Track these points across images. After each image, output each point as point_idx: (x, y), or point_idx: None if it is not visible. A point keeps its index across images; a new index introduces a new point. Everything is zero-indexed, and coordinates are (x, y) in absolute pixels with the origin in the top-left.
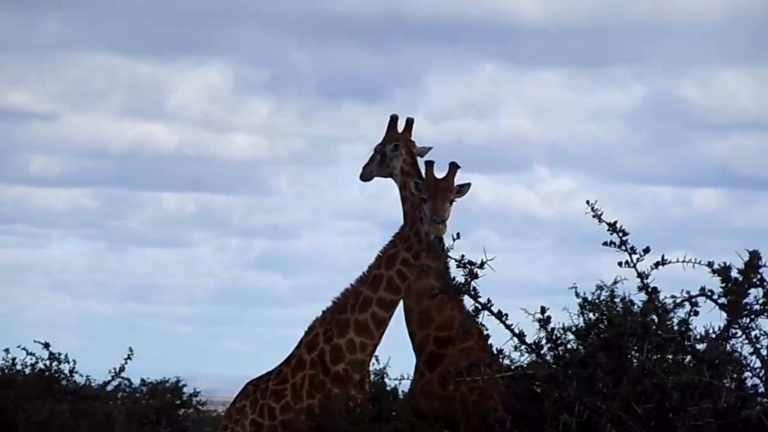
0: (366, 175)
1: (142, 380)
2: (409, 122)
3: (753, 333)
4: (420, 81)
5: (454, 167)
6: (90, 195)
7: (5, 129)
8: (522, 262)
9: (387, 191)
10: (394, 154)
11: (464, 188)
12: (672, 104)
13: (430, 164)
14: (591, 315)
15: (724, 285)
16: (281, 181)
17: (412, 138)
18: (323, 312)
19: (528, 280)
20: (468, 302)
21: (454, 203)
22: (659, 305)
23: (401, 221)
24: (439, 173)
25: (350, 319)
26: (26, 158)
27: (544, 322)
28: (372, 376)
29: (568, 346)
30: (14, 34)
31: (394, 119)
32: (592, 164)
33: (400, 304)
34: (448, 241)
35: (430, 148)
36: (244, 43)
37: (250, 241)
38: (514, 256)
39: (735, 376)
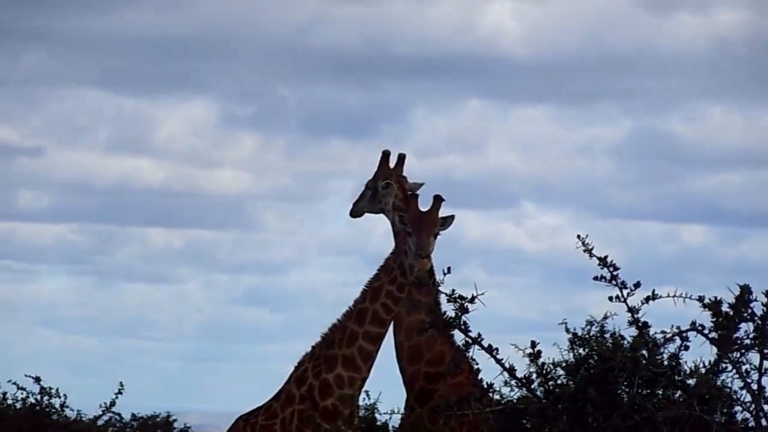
0: (357, 212)
1: (133, 415)
2: (401, 158)
3: (744, 367)
4: (406, 117)
5: (438, 200)
6: (77, 230)
7: None
8: (510, 297)
9: (374, 227)
10: (386, 191)
11: (448, 221)
12: (659, 139)
13: (413, 197)
14: (581, 350)
15: (714, 319)
16: (268, 217)
17: (404, 174)
18: (312, 347)
19: (517, 315)
20: (458, 337)
21: (438, 236)
22: (650, 340)
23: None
24: (425, 207)
25: (338, 354)
26: (13, 193)
27: (534, 356)
28: (362, 411)
29: (559, 381)
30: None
31: (386, 155)
32: (580, 199)
33: (390, 339)
34: (438, 275)
35: (422, 184)
36: (229, 78)
37: (237, 277)
38: (503, 292)
39: (725, 410)
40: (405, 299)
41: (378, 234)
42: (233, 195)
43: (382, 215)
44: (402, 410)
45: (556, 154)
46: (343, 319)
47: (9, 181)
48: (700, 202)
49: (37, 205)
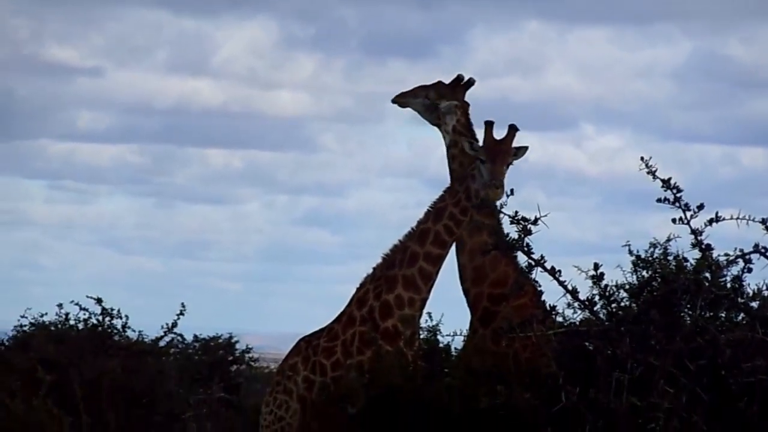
0: (404, 104)
1: (195, 336)
2: (471, 82)
3: None
4: (465, 38)
5: (513, 130)
6: (136, 151)
7: (51, 85)
8: (570, 220)
9: (434, 149)
10: (449, 111)
11: (521, 151)
12: (719, 62)
13: (489, 125)
14: (644, 272)
15: None
16: (328, 139)
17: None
18: (373, 268)
19: (577, 238)
20: (521, 259)
21: (510, 166)
22: (713, 262)
23: (448, 178)
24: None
25: (398, 275)
26: (73, 114)
27: (597, 278)
28: (425, 333)
29: (621, 304)
30: None
31: (459, 79)
32: (639, 122)
33: (453, 261)
34: (502, 198)
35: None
36: None
37: (297, 198)
38: (562, 214)
39: None
40: (468, 221)
41: (437, 157)
42: (292, 116)
43: (439, 133)
44: (465, 331)
45: (615, 76)
46: (404, 239)
47: (68, 101)
48: (760, 125)
49: (97, 126)
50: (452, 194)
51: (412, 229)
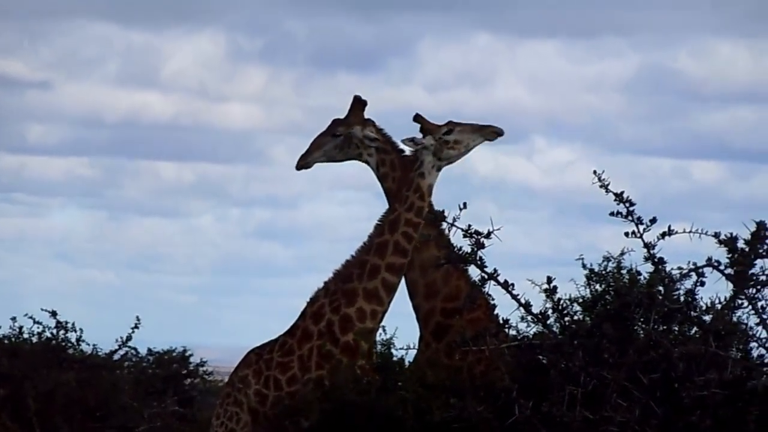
0: (309, 163)
1: (149, 350)
2: (364, 103)
3: (759, 303)
4: (414, 51)
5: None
6: (87, 164)
7: (0, 98)
8: (522, 233)
9: None
10: (365, 134)
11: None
12: (668, 75)
13: (419, 117)
14: (597, 286)
15: (730, 255)
16: (279, 151)
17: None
18: (325, 283)
19: (529, 251)
20: (474, 272)
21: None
22: (666, 276)
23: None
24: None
25: (358, 288)
26: (22, 127)
27: (550, 292)
28: (379, 346)
29: (575, 317)
30: (6, 2)
31: (358, 100)
32: (589, 135)
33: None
34: (453, 210)
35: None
36: (236, 11)
37: (249, 211)
38: (514, 227)
39: (741, 346)
40: (419, 223)
41: None
42: (243, 129)
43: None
44: (416, 346)
45: (565, 89)
46: (359, 253)
47: (18, 114)
48: (710, 139)
49: (47, 139)
50: (401, 201)
51: (365, 243)
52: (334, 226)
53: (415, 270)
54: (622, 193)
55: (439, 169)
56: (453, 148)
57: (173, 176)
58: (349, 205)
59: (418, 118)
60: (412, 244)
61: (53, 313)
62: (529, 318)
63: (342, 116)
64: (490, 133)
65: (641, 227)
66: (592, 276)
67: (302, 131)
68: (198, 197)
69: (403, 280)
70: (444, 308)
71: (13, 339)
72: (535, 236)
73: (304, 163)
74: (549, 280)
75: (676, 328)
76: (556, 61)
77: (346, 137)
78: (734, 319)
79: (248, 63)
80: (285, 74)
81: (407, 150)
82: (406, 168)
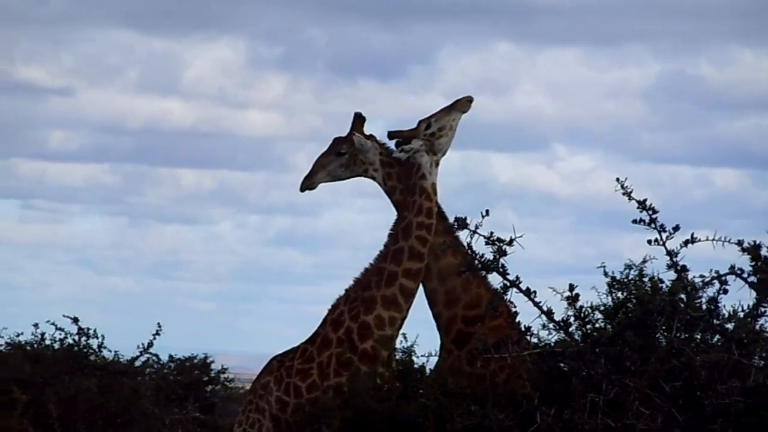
0: (313, 184)
1: (170, 356)
2: (363, 118)
3: None
4: (435, 58)
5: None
6: (108, 171)
7: (22, 104)
8: (543, 241)
9: None
10: (367, 147)
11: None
12: (689, 83)
13: (392, 132)
14: (619, 294)
15: (753, 263)
16: (298, 158)
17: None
18: (346, 290)
19: (550, 259)
20: (495, 280)
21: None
22: (688, 284)
23: None
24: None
25: (376, 296)
26: (44, 134)
27: (572, 299)
28: (400, 353)
29: (597, 325)
30: (28, 9)
31: (359, 117)
32: (610, 143)
33: (421, 288)
34: (475, 218)
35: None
36: (256, 19)
37: (269, 219)
38: (535, 235)
39: (764, 354)
40: (435, 244)
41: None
42: (263, 136)
43: (362, 178)
44: (437, 353)
45: (586, 97)
46: (376, 261)
47: (39, 120)
48: (731, 146)
49: (68, 145)
50: (410, 208)
51: (381, 251)
52: (353, 234)
53: (434, 279)
54: (645, 200)
55: (437, 165)
56: (441, 136)
57: (193, 183)
58: (368, 213)
59: (392, 134)
60: (427, 247)
61: (75, 320)
62: (551, 325)
63: (343, 134)
64: (463, 103)
65: (664, 235)
66: (613, 284)
67: (322, 138)
68: (218, 204)
69: (422, 289)
70: (465, 316)
71: (35, 345)
72: (555, 244)
73: (308, 184)
74: (571, 287)
75: (699, 336)
76: (577, 69)
77: (351, 155)
78: (757, 327)
79: (268, 70)
80: (305, 81)
81: (402, 155)
82: (408, 176)
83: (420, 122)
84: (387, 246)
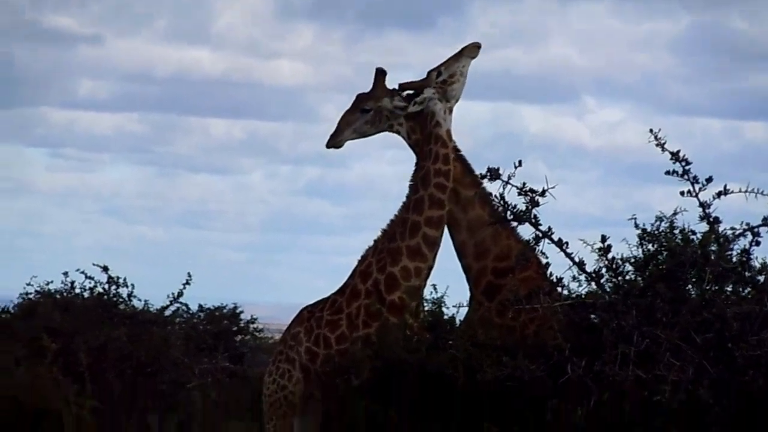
0: (340, 142)
1: (200, 306)
2: (385, 73)
3: None
4: (465, 9)
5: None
6: (137, 120)
7: (52, 52)
8: (572, 193)
9: None
10: (398, 107)
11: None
12: (720, 34)
13: (402, 84)
14: (650, 246)
15: None
16: (328, 109)
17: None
18: (375, 241)
19: (580, 211)
20: (525, 232)
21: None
22: (720, 235)
23: None
24: None
25: (401, 246)
26: (74, 82)
27: (604, 251)
28: (429, 305)
29: (628, 277)
30: None
31: (381, 73)
32: (640, 95)
33: (448, 241)
34: (509, 168)
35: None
36: None
37: (299, 169)
38: (564, 187)
39: None
40: (464, 197)
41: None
42: (292, 86)
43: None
44: (467, 304)
45: (616, 48)
46: (400, 212)
47: (69, 69)
48: (762, 98)
49: (97, 94)
50: (426, 157)
51: (404, 203)
52: (383, 185)
53: (463, 231)
54: (678, 151)
55: (451, 111)
56: (452, 82)
57: (223, 133)
58: (398, 164)
59: (403, 86)
60: (447, 194)
61: (105, 269)
62: (582, 277)
63: (368, 88)
64: (471, 49)
65: (697, 186)
66: (644, 236)
67: (352, 88)
68: (248, 154)
69: (452, 241)
70: (495, 267)
71: (65, 294)
72: (585, 196)
73: (335, 142)
74: (603, 239)
75: (730, 288)
76: (607, 21)
77: (376, 111)
78: None
79: (298, 20)
80: (335, 31)
81: (415, 106)
82: (424, 126)
83: (430, 72)
84: (408, 196)
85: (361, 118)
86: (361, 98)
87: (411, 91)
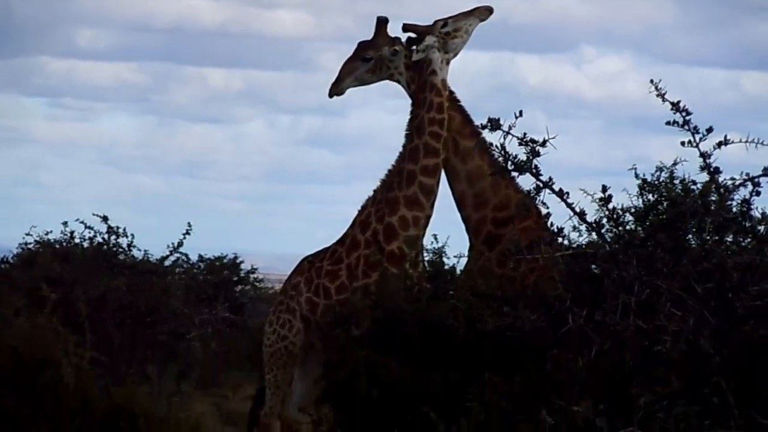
0: (342, 90)
1: (200, 256)
2: (385, 20)
3: None
4: None
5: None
6: (136, 69)
7: (49, 2)
8: (572, 143)
9: None
10: (396, 57)
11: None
12: None
13: (407, 24)
14: (650, 196)
15: None
16: (328, 58)
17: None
18: (374, 191)
19: (580, 161)
20: (525, 182)
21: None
22: (720, 185)
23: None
24: None
25: (398, 196)
26: (71, 31)
27: (605, 201)
28: (430, 255)
29: (628, 227)
30: None
31: (382, 21)
32: (639, 45)
33: (448, 192)
34: (510, 119)
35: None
36: None
37: (298, 119)
38: (565, 137)
39: None
40: (464, 147)
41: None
42: (292, 36)
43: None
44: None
45: None
46: (397, 162)
47: (66, 18)
48: (763, 49)
49: (96, 44)
50: (420, 104)
51: (401, 152)
52: (383, 134)
53: (463, 181)
54: (678, 102)
55: (448, 63)
56: (455, 36)
57: (222, 83)
58: (398, 114)
59: (407, 27)
60: (441, 142)
61: (104, 218)
62: (582, 227)
63: (369, 37)
64: (482, 11)
65: (697, 137)
66: (644, 186)
67: (351, 38)
68: (247, 104)
69: (451, 192)
70: (495, 217)
71: (64, 243)
72: (585, 146)
73: (336, 90)
74: (604, 188)
75: (731, 238)
76: None
77: (377, 60)
78: None
79: None
80: None
81: (417, 53)
82: (420, 74)
83: (436, 21)
84: (404, 146)
85: (362, 66)
86: (362, 46)
87: (413, 35)
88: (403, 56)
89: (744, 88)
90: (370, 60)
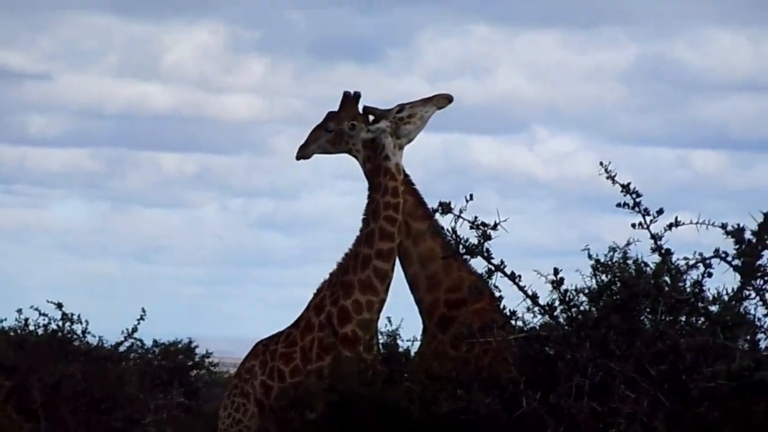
0: (308, 154)
1: (155, 341)
2: (357, 96)
3: (767, 295)
4: (413, 42)
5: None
6: (89, 155)
7: (0, 89)
8: (525, 223)
9: None
10: (354, 132)
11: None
12: (667, 65)
13: (368, 107)
14: (604, 277)
15: (737, 247)
16: (280, 141)
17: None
18: (330, 274)
19: (533, 242)
20: (478, 264)
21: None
22: (673, 267)
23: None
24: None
25: (353, 280)
26: (23, 119)
27: (557, 283)
28: (384, 337)
29: (581, 308)
30: None
31: (347, 96)
32: (590, 124)
33: (402, 274)
34: (460, 202)
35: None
36: (235, 2)
37: (251, 202)
38: (518, 217)
39: (749, 338)
40: (416, 230)
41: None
42: (244, 120)
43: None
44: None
45: (565, 79)
46: (353, 246)
47: (18, 106)
48: (710, 128)
49: (48, 130)
50: (377, 189)
51: (357, 236)
52: (336, 216)
53: (415, 263)
54: (629, 184)
55: (401, 148)
56: (409, 122)
57: (175, 167)
58: (351, 195)
59: (367, 109)
60: (396, 227)
61: (59, 305)
62: (535, 309)
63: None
64: (441, 99)
65: (648, 218)
66: (598, 266)
67: (303, 121)
68: (200, 188)
69: (404, 274)
70: (447, 300)
71: (18, 331)
72: (538, 226)
73: (303, 153)
74: (556, 271)
75: (684, 320)
76: (555, 51)
77: (337, 132)
78: (742, 310)
79: (247, 54)
80: (284, 65)
81: (366, 134)
82: (376, 158)
83: (396, 106)
84: (361, 230)
85: (324, 135)
86: (328, 116)
87: (372, 117)
88: (360, 133)
89: (693, 167)
90: (331, 132)
